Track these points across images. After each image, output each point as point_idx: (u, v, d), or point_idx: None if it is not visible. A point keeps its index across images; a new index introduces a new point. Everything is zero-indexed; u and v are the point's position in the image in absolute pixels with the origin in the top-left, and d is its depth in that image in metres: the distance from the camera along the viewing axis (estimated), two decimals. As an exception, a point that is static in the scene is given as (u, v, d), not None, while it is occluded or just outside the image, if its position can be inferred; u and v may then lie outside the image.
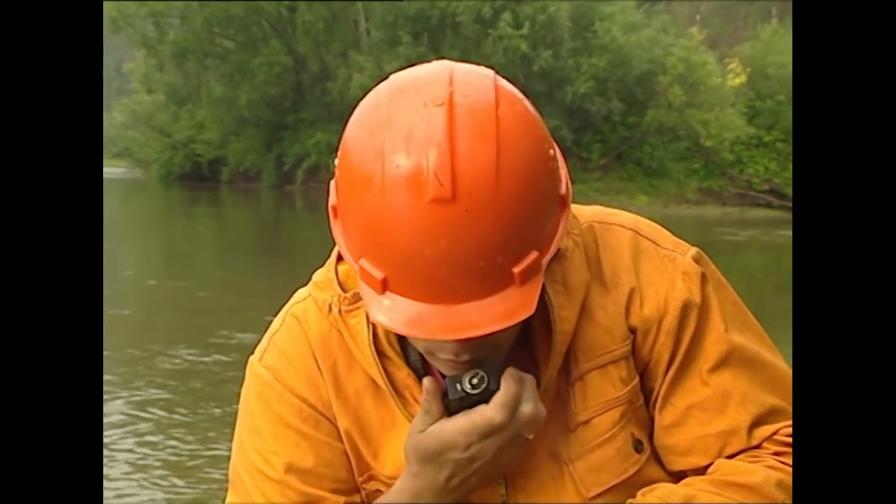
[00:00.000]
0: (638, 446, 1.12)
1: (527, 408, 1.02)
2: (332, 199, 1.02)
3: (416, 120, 0.92)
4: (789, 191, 26.72)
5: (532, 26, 25.66)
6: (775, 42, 28.94)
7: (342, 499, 1.14)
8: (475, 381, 1.02)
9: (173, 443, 4.80)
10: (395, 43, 27.30)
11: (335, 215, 1.02)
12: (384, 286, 0.96)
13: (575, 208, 1.16)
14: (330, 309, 1.13)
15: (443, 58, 1.07)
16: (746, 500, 1.04)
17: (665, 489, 1.08)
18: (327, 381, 1.14)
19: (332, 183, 1.02)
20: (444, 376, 1.06)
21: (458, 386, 1.02)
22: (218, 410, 5.28)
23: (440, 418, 1.03)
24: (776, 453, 1.09)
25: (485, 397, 1.01)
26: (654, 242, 1.15)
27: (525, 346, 1.10)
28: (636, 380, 1.12)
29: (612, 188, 24.29)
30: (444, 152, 0.90)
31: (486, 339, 0.98)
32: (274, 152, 30.09)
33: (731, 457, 1.11)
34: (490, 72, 0.98)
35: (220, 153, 31.96)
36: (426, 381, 1.05)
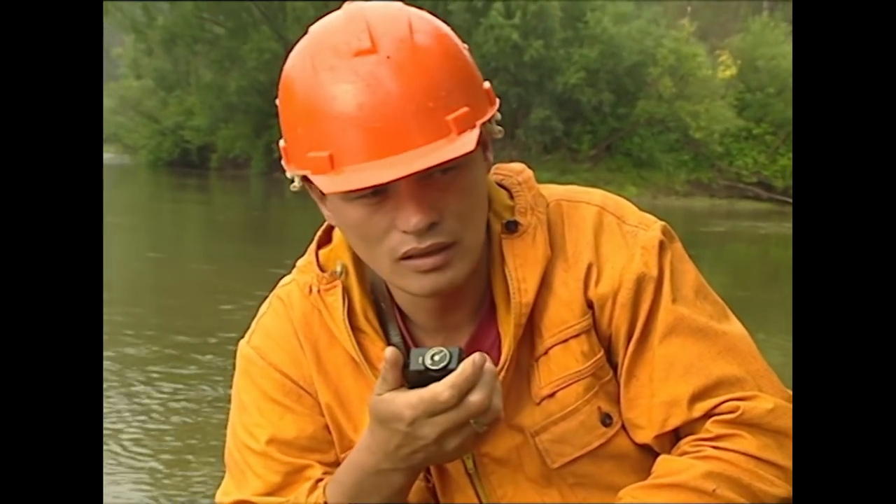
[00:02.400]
0: (605, 420, 1.14)
1: (478, 396, 0.99)
2: (282, 143, 1.10)
3: (335, 26, 1.06)
4: (778, 183, 26.81)
5: (523, 16, 25.58)
6: (766, 35, 28.95)
7: (325, 468, 1.17)
8: (437, 357, 1.01)
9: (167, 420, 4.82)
10: (385, 31, 27.13)
11: (286, 156, 1.09)
12: (332, 163, 1.01)
13: (546, 187, 1.21)
14: (310, 290, 1.18)
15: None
16: (671, 498, 1.05)
17: None
18: (309, 359, 1.19)
19: (281, 141, 1.10)
20: (408, 351, 1.06)
21: (420, 359, 1.01)
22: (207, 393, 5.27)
23: (396, 388, 1.03)
24: (717, 437, 1.09)
25: (442, 376, 1.00)
26: (618, 218, 1.17)
27: (490, 322, 1.14)
28: (600, 353, 1.14)
29: (601, 179, 24.27)
30: (360, 27, 1.02)
31: (444, 199, 1.03)
32: (263, 139, 29.86)
33: (675, 430, 1.12)
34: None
35: (209, 140, 31.77)
36: (387, 350, 1.05)
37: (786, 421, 1.09)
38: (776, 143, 27.65)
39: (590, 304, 1.14)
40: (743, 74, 28.82)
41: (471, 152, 1.00)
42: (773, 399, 1.10)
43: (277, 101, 1.08)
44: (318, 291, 1.17)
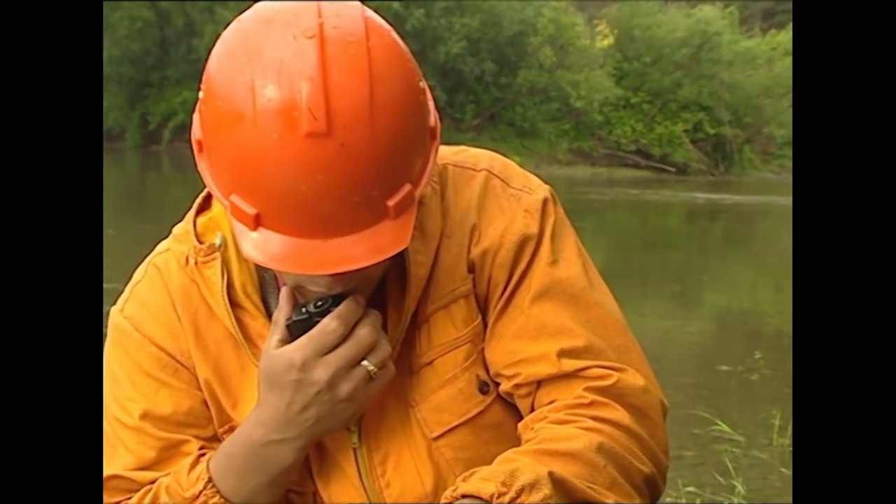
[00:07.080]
0: (483, 388, 1.12)
1: (366, 328, 1.02)
2: (197, 134, 0.98)
3: (287, 52, 0.89)
4: (655, 151, 27.66)
5: (404, -16, 25.49)
6: (641, 5, 29.66)
7: (202, 442, 1.13)
8: (319, 303, 1.02)
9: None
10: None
11: (200, 149, 0.98)
12: (257, 222, 0.95)
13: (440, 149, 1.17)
14: (187, 261, 1.13)
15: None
16: (571, 469, 1.00)
17: (486, 470, 1.00)
18: (187, 332, 1.13)
19: (196, 116, 0.98)
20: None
21: (304, 309, 1.02)
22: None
23: (286, 340, 1.03)
24: (593, 404, 1.06)
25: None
26: (503, 181, 1.16)
27: (377, 292, 1.10)
28: (478, 319, 1.13)
29: (485, 149, 24.46)
30: (317, 86, 0.88)
31: (358, 272, 0.98)
32: (138, 111, 29.02)
33: (541, 382, 1.09)
34: (357, 3, 0.96)
35: (80, 111, 30.65)
36: (283, 289, 1.04)
37: (651, 400, 1.09)
38: (653, 112, 28.45)
39: (471, 268, 1.12)
40: (620, 44, 29.50)
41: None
42: (642, 377, 1.09)
43: (201, 97, 0.95)
44: (196, 264, 1.12)
